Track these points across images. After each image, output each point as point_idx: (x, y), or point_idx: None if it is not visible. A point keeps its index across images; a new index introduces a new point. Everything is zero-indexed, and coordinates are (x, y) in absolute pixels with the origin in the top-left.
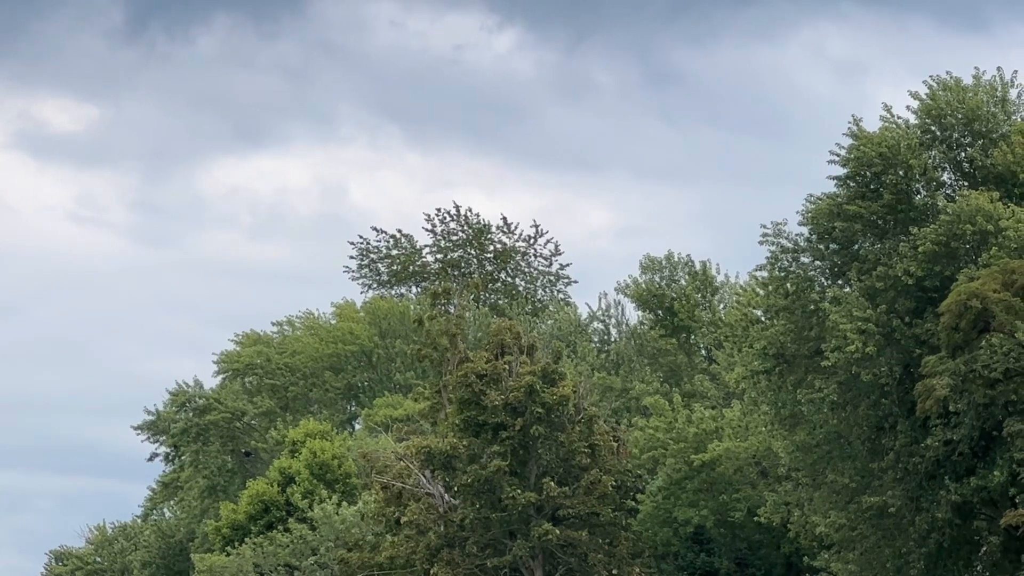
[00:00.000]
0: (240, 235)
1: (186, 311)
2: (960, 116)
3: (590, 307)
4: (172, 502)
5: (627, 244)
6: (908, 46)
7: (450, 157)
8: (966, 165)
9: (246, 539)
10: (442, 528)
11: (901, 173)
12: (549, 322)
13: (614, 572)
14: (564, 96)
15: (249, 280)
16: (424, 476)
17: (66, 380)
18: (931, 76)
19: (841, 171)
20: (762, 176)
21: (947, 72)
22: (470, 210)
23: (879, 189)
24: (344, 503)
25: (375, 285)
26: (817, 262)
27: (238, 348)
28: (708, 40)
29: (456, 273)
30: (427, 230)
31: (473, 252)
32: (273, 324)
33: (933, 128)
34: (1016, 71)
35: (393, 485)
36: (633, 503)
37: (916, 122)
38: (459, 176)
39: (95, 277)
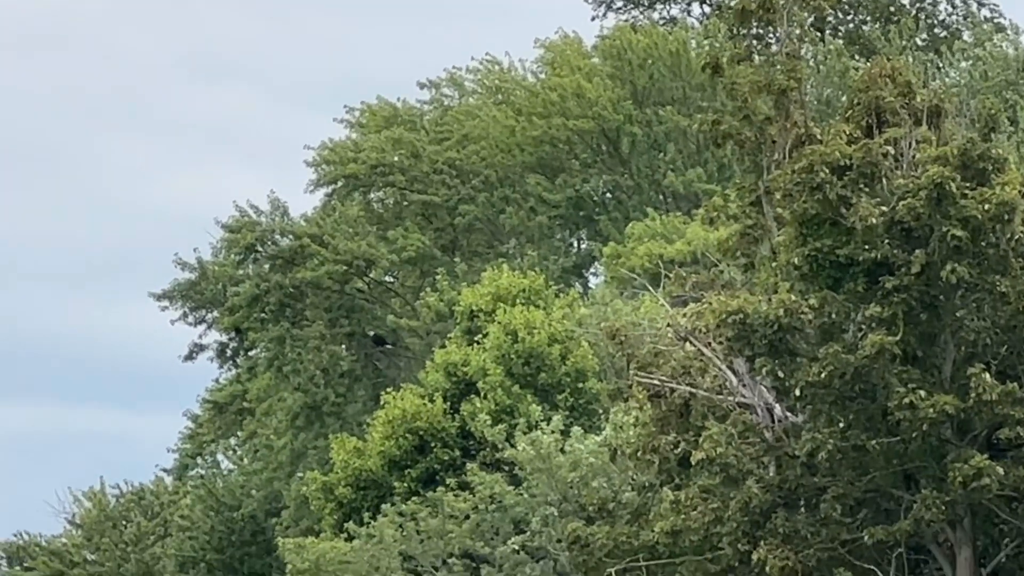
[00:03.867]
0: None
1: (236, 74)
2: None
3: None
4: (234, 440)
5: None
6: None
7: None
8: None
9: (383, 506)
10: (771, 471)
11: None
12: (965, 64)
13: None
14: None
15: (361, 8)
16: (733, 371)
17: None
18: None
19: None
20: None
21: None
22: None
23: None
24: (576, 429)
25: (620, 2)
26: None
27: (353, 136)
28: None
29: None
30: None
31: None
32: (420, 86)
33: None
34: None
35: (671, 391)
36: None
37: None
38: None
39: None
